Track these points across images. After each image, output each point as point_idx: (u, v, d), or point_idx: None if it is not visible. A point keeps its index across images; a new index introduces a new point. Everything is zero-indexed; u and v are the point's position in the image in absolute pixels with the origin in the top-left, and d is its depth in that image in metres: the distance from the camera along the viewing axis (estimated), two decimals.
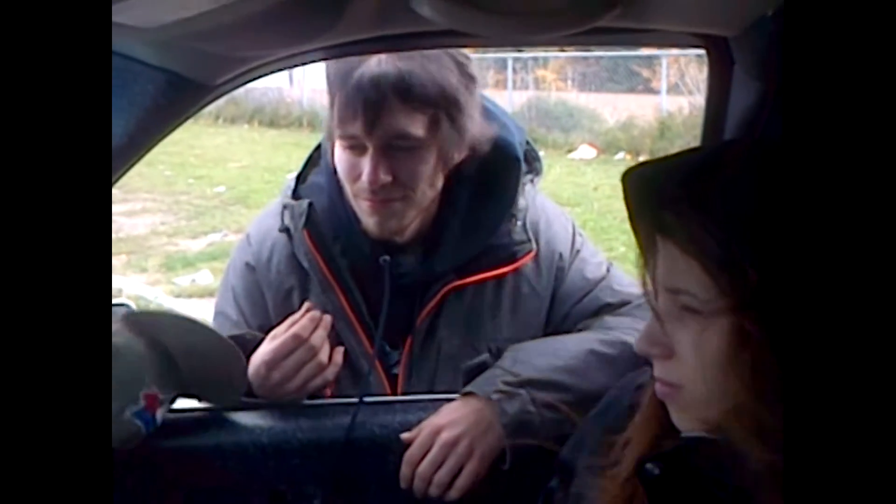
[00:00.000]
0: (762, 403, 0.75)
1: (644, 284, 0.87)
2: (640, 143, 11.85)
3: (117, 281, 6.82)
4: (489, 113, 1.41)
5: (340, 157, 1.35)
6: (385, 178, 1.30)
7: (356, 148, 1.32)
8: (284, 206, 1.45)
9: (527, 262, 1.43)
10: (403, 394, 1.43)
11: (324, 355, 1.33)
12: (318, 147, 1.48)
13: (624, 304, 1.43)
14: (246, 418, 1.36)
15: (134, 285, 6.78)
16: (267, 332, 1.37)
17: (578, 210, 8.16)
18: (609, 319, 1.41)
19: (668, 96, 13.36)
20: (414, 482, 1.28)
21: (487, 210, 1.42)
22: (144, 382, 1.22)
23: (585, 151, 11.92)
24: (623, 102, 13.62)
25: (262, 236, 1.48)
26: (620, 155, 11.69)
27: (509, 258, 1.42)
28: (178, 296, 6.51)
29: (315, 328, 1.33)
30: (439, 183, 1.37)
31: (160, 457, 1.31)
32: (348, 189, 1.36)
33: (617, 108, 13.40)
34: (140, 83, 1.04)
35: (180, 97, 1.07)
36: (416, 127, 1.29)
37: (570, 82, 16.80)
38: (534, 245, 1.43)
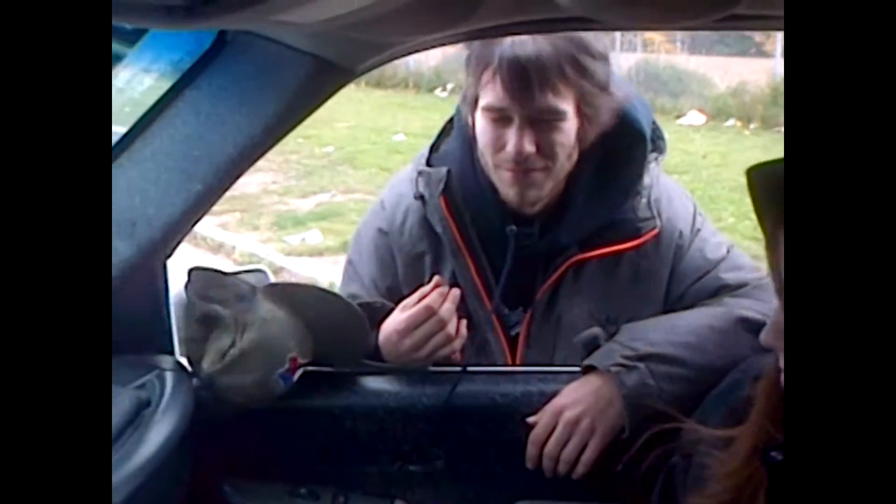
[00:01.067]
0: None
1: (773, 277, 0.88)
2: (751, 109, 11.51)
3: (231, 238, 7.04)
4: (620, 91, 1.44)
5: (484, 127, 1.39)
6: (529, 149, 1.35)
7: (502, 119, 1.36)
8: (419, 174, 1.50)
9: (650, 239, 1.45)
10: (524, 363, 1.48)
11: (452, 327, 1.39)
12: (451, 119, 1.53)
13: (742, 285, 1.44)
14: (375, 383, 1.43)
15: (247, 243, 6.99)
16: (398, 301, 1.43)
17: (686, 178, 8.00)
18: (728, 300, 1.43)
19: (782, 60, 12.93)
20: (542, 461, 1.33)
21: (613, 186, 1.44)
22: (290, 348, 1.30)
23: (694, 117, 11.65)
24: (734, 66, 13.23)
25: (396, 202, 1.54)
26: (731, 121, 11.40)
27: (633, 234, 1.45)
28: (289, 254, 6.67)
29: (444, 301, 1.39)
30: (575, 156, 1.41)
31: (296, 414, 1.41)
32: (489, 159, 1.41)
33: (728, 73, 13.03)
34: (291, 68, 1.10)
35: (326, 80, 1.13)
36: (563, 102, 1.34)
37: (679, 45, 16.40)
38: (658, 222, 1.45)
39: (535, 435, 1.34)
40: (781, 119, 10.89)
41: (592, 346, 1.39)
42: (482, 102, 1.37)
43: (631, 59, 14.23)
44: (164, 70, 1.19)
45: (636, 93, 1.49)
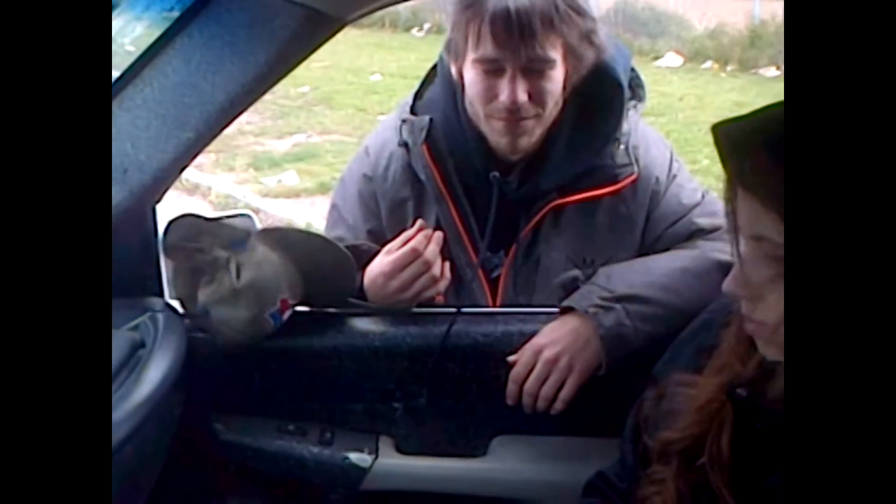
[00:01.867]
0: None
1: (728, 231, 0.92)
2: (728, 51, 11.48)
3: (207, 179, 7.01)
4: (601, 40, 1.46)
5: (475, 79, 1.43)
6: (522, 97, 1.39)
7: (494, 70, 1.40)
8: (403, 121, 1.54)
9: (627, 184, 1.50)
10: (504, 305, 1.54)
11: (437, 269, 1.44)
12: (434, 66, 1.56)
13: (716, 229, 1.49)
14: (360, 323, 1.48)
15: (223, 184, 6.96)
16: (382, 245, 1.47)
17: (663, 120, 8.02)
18: (701, 243, 1.48)
19: (760, 2, 12.87)
20: (522, 398, 1.39)
21: (592, 133, 1.49)
22: (281, 289, 1.35)
23: (672, 59, 11.62)
24: (713, 7, 13.11)
25: (380, 148, 1.58)
26: (707, 64, 11.38)
27: (611, 180, 1.49)
28: (266, 195, 6.66)
29: (428, 243, 1.43)
30: (560, 104, 1.45)
31: (284, 354, 1.45)
32: (480, 110, 1.45)
33: (706, 14, 12.93)
34: (282, 17, 1.12)
35: (316, 30, 1.16)
36: (553, 50, 1.38)
37: None
38: (635, 169, 1.50)
39: (516, 373, 1.40)
40: (759, 62, 10.90)
41: (571, 287, 1.45)
42: (474, 55, 1.40)
43: (609, 0, 14.11)
44: (156, 18, 1.21)
45: (615, 41, 1.53)
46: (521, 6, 1.34)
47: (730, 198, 0.89)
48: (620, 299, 1.37)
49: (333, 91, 10.10)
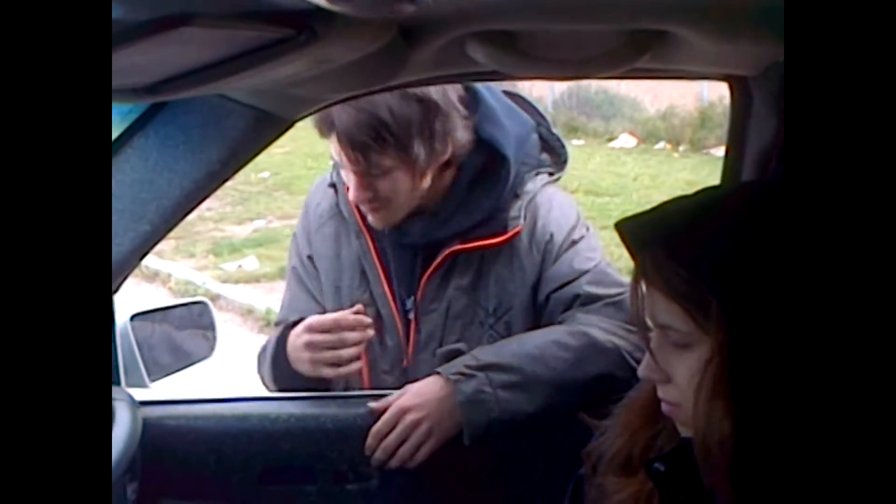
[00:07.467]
0: (728, 419, 0.90)
1: (634, 318, 0.99)
2: (680, 132, 11.82)
3: (166, 266, 7.03)
4: (486, 116, 1.60)
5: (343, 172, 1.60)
6: (365, 195, 1.54)
7: (346, 170, 1.56)
8: (334, 166, 1.68)
9: (515, 235, 1.59)
10: (417, 347, 1.62)
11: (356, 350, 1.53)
12: None
13: (595, 299, 1.56)
14: (313, 406, 1.53)
15: (182, 270, 6.98)
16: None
17: (618, 200, 8.19)
18: (580, 315, 1.55)
19: (708, 84, 13.26)
20: (377, 453, 1.47)
21: (481, 195, 1.60)
22: None
23: (626, 140, 11.93)
24: (664, 90, 13.50)
25: (314, 191, 1.76)
26: (661, 144, 11.69)
27: (501, 230, 1.59)
28: (226, 281, 6.69)
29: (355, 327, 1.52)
30: (425, 183, 1.57)
31: (236, 438, 1.49)
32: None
33: (658, 97, 13.31)
34: (232, 118, 1.20)
35: (265, 130, 1.24)
36: (385, 158, 1.50)
37: None
38: (522, 222, 1.59)
39: (377, 429, 1.47)
40: (709, 142, 11.20)
41: (450, 356, 1.53)
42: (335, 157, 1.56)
43: (564, 84, 14.43)
44: (115, 119, 1.28)
45: (510, 112, 1.64)
46: (354, 125, 1.45)
47: (636, 289, 0.96)
48: (484, 367, 1.45)
49: (293, 176, 10.18)
